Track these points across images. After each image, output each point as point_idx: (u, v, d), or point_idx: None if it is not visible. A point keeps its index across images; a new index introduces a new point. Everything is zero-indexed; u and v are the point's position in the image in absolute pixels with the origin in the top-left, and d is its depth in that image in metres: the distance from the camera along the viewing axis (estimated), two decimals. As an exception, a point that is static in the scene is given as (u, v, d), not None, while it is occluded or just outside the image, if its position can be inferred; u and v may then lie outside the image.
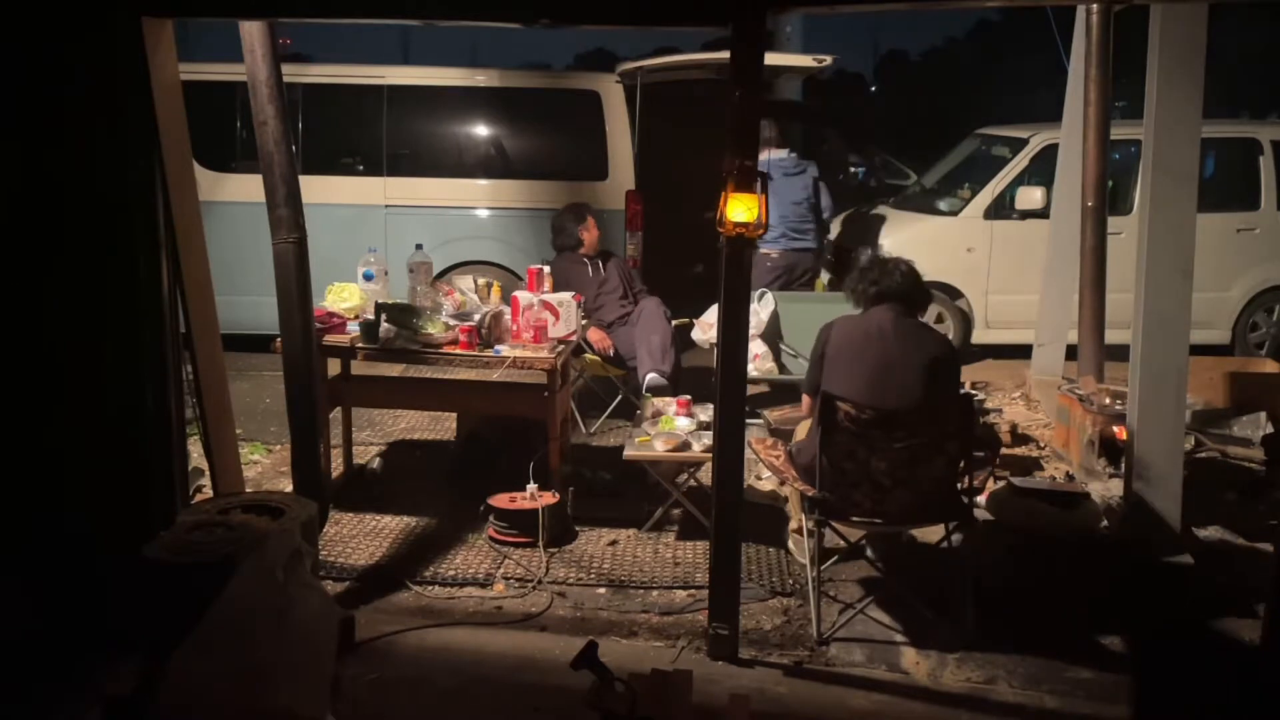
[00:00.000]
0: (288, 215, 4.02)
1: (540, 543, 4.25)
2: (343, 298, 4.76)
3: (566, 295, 4.81)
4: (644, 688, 2.75)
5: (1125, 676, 3.44)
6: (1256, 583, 3.98)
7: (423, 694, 3.21)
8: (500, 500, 4.38)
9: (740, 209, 3.14)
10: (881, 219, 7.91)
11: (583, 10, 3.48)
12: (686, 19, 3.43)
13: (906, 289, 3.95)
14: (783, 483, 4.37)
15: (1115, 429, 4.84)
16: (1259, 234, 7.31)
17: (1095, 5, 5.27)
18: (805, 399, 4.17)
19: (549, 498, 4.38)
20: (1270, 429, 5.15)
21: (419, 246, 5.11)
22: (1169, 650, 3.61)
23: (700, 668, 3.31)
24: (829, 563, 4.00)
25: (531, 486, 4.41)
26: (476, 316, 4.58)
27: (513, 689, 3.26)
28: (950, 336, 7.45)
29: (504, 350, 4.48)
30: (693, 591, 3.93)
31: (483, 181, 7.20)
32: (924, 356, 3.78)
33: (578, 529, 4.49)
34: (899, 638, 3.67)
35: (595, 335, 5.62)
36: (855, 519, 3.76)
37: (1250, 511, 4.66)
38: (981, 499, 4.52)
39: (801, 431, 4.15)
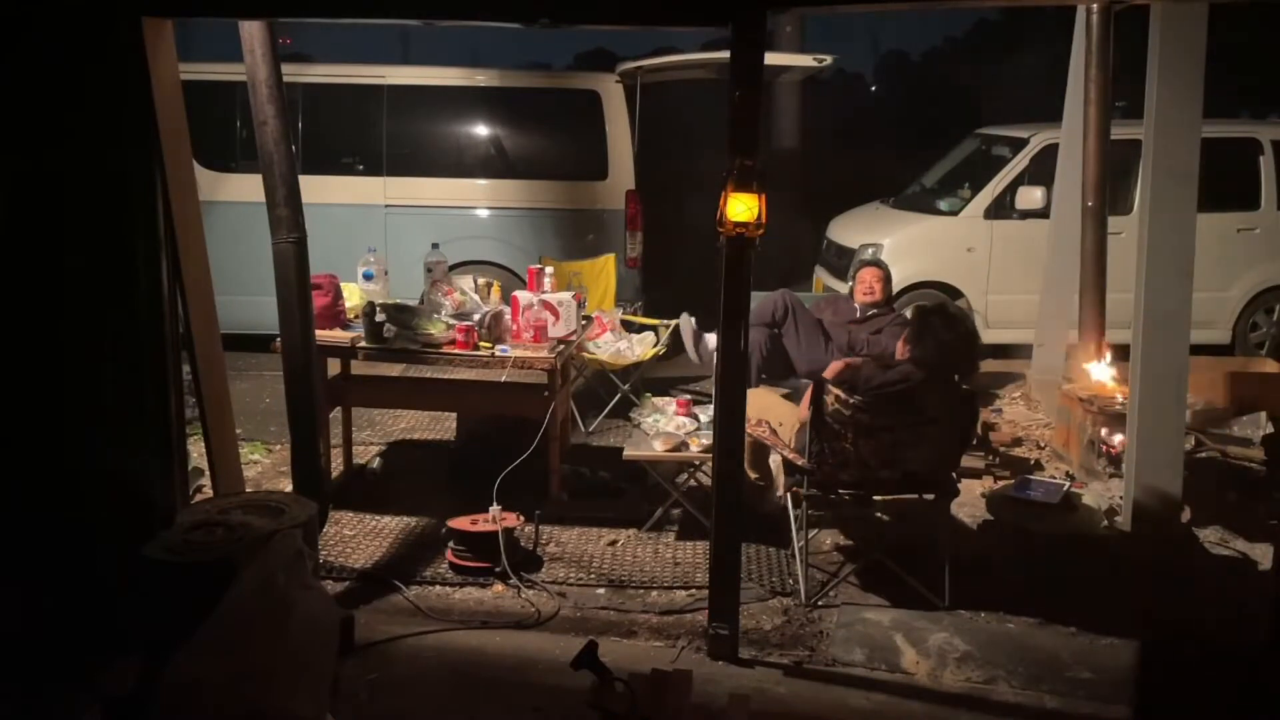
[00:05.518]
0: (287, 215, 4.04)
1: (505, 567, 3.95)
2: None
3: (566, 295, 4.82)
4: (644, 688, 2.77)
5: (1125, 676, 3.44)
6: (1256, 583, 4.00)
7: (422, 694, 3.22)
8: (460, 523, 4.08)
9: (740, 208, 3.14)
10: (880, 218, 7.91)
11: (583, 10, 3.49)
12: (686, 19, 3.45)
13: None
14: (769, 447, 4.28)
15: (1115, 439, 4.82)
16: (1259, 234, 7.31)
17: (1095, 5, 5.29)
18: None
19: (512, 519, 4.07)
20: (1270, 429, 5.15)
21: (435, 246, 5.10)
22: (1170, 650, 3.61)
23: (700, 668, 3.32)
24: (814, 532, 4.12)
25: (495, 508, 4.07)
26: (476, 316, 4.59)
27: (513, 689, 3.27)
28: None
29: (504, 350, 4.48)
30: (693, 591, 3.94)
31: (482, 181, 7.20)
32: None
33: (578, 528, 4.49)
34: (874, 598, 3.88)
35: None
36: (841, 491, 3.92)
37: (1250, 511, 4.66)
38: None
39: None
